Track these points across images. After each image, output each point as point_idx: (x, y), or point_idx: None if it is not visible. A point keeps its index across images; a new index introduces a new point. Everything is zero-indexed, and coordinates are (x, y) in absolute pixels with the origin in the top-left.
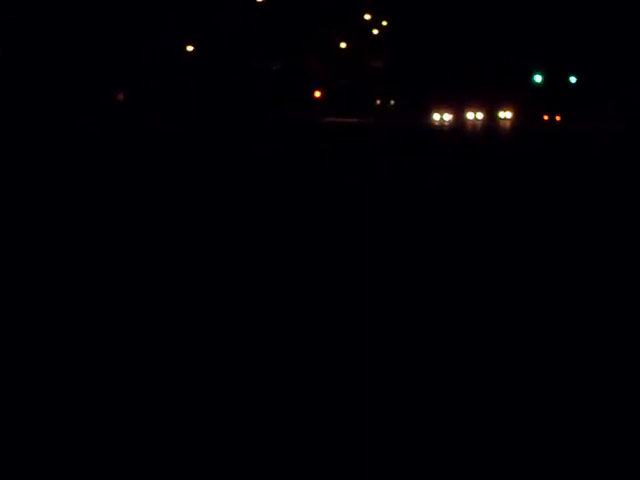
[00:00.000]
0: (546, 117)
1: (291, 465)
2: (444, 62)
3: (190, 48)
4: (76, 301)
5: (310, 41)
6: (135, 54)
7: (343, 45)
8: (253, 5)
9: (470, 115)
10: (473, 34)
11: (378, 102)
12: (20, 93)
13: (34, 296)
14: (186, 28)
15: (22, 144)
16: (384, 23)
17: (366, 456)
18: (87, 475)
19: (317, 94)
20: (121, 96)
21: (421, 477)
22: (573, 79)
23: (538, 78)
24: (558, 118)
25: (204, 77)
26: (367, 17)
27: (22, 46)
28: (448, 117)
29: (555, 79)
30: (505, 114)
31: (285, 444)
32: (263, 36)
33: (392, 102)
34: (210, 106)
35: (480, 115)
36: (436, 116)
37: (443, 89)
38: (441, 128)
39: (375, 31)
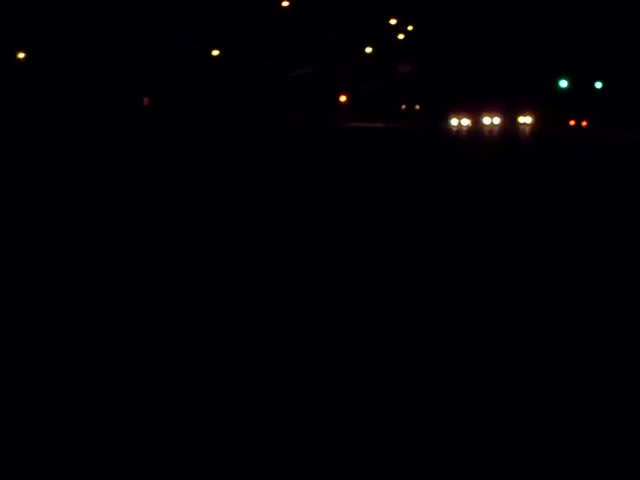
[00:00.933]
0: (572, 122)
1: (291, 465)
2: (467, 66)
3: (216, 52)
4: (76, 301)
5: (336, 46)
6: (160, 57)
7: (369, 50)
8: (279, 10)
9: (487, 120)
10: (497, 39)
11: (404, 107)
12: (44, 95)
13: (34, 296)
14: (210, 32)
15: (44, 143)
16: (410, 28)
17: (365, 456)
18: (87, 475)
19: (343, 99)
20: (147, 100)
21: (421, 477)
22: (599, 84)
23: (564, 83)
24: (584, 123)
25: (229, 81)
26: (393, 22)
27: (47, 49)
28: (466, 122)
29: (581, 84)
30: (525, 119)
31: (285, 444)
32: (288, 41)
33: (417, 107)
34: (234, 109)
35: (498, 120)
36: (454, 121)
37: (466, 93)
38: (458, 133)
39: (401, 36)
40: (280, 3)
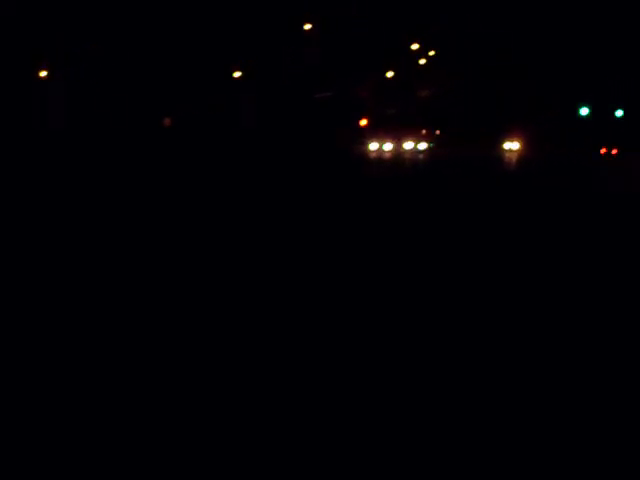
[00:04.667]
0: (603, 150)
1: (290, 465)
2: (488, 93)
3: (237, 74)
4: (76, 301)
5: (358, 70)
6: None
7: (390, 74)
8: (302, 34)
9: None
10: (517, 66)
11: (424, 132)
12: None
13: (34, 296)
14: (235, 53)
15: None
16: (431, 53)
17: (365, 456)
18: (87, 475)
19: (363, 122)
20: (168, 121)
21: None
22: (620, 112)
23: (584, 111)
24: (615, 152)
25: (257, 102)
26: (414, 47)
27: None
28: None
29: (601, 111)
30: (512, 145)
31: (284, 444)
32: (312, 65)
33: (438, 132)
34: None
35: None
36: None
37: (488, 120)
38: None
39: (422, 61)
40: (303, 25)
